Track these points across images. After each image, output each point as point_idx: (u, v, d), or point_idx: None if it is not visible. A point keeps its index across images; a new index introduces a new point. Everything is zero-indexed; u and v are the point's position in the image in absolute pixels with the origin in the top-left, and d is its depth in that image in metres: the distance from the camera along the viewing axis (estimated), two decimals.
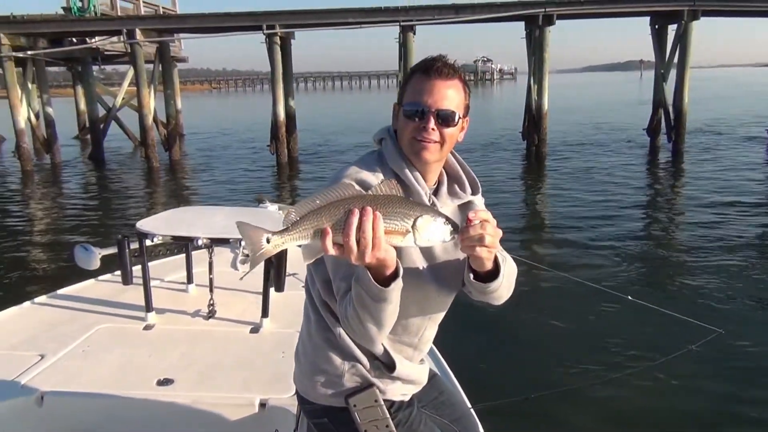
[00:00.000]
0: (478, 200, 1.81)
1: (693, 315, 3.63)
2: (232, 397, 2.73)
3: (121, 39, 17.93)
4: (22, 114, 17.43)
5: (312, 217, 1.36)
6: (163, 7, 22.77)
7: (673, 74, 17.58)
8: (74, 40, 18.90)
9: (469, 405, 2.35)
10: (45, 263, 8.76)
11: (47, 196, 14.67)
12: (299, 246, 1.39)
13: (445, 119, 1.60)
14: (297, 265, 3.44)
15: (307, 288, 1.81)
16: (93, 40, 18.76)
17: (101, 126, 20.49)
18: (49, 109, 18.75)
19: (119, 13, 19.28)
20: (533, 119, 17.74)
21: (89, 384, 2.84)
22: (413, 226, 1.38)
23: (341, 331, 1.71)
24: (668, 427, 4.32)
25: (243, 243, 3.61)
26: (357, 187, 1.41)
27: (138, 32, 16.69)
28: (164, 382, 2.84)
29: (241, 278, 3.92)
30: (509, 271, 1.68)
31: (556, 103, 37.02)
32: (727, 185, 12.74)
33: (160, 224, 3.56)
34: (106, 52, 20.13)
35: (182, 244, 3.89)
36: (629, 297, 3.80)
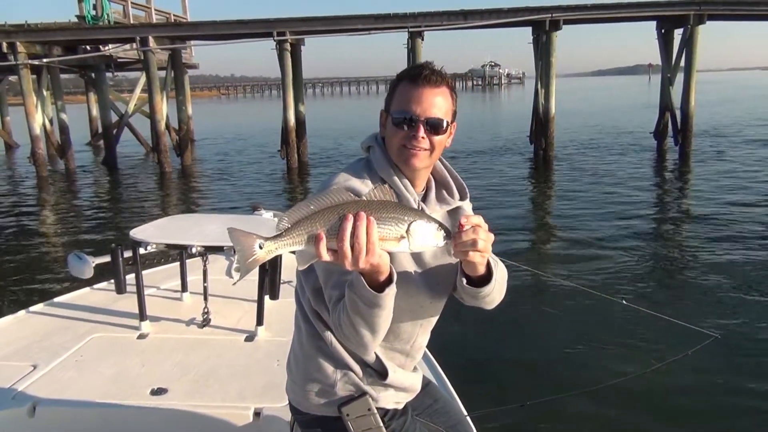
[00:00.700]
0: (467, 206, 1.81)
1: (690, 319, 3.68)
2: (226, 406, 2.70)
3: (134, 46, 18.28)
4: (38, 120, 17.75)
5: (306, 223, 1.35)
6: (174, 15, 23.12)
7: (680, 78, 17.70)
8: (88, 47, 19.20)
9: (465, 413, 2.36)
10: (50, 270, 8.77)
11: (61, 202, 14.93)
12: (293, 252, 1.39)
13: (435, 127, 1.61)
14: (292, 272, 3.33)
15: (297, 297, 1.81)
16: (106, 48, 19.07)
17: (114, 132, 20.79)
18: (63, 116, 19.06)
19: (132, 21, 19.61)
20: (540, 123, 17.89)
21: (82, 394, 2.81)
22: (407, 231, 1.37)
23: (332, 339, 1.71)
24: None
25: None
26: (346, 192, 1.40)
27: (151, 40, 16.97)
28: (158, 392, 2.82)
29: (234, 283, 3.79)
30: (501, 275, 1.67)
31: (564, 107, 37.13)
32: (732, 188, 12.83)
33: (154, 232, 3.54)
34: (119, 59, 20.41)
35: (176, 252, 3.84)
36: (623, 301, 3.83)
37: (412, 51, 17.26)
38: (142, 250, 3.40)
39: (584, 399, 4.19)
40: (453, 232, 1.42)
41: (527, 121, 19.58)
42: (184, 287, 4.02)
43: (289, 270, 3.62)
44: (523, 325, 6.04)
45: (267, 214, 4.43)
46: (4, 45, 16.71)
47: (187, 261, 3.98)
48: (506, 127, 30.14)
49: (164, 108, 18.14)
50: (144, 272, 3.56)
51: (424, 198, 1.74)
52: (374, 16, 17.32)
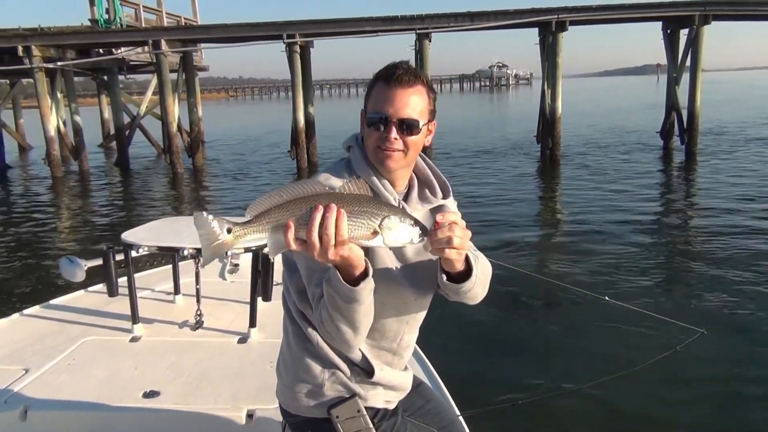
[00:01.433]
0: (450, 203, 1.80)
1: (680, 315, 3.65)
2: (219, 408, 2.70)
3: (146, 49, 18.59)
4: (52, 122, 18.08)
5: (276, 211, 1.35)
6: (184, 18, 23.43)
7: (686, 78, 17.86)
8: (101, 50, 19.52)
9: (458, 412, 2.37)
10: (53, 271, 8.69)
11: (75, 203, 15.26)
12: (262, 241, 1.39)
13: (408, 127, 1.59)
14: None
15: (284, 299, 1.80)
16: (119, 51, 19.39)
17: (126, 134, 21.12)
18: (77, 118, 19.39)
19: (143, 25, 19.92)
20: (547, 123, 18.07)
21: (75, 397, 2.81)
22: (380, 225, 1.36)
23: (319, 339, 1.71)
24: (656, 430, 4.36)
25: (230, 253, 3.78)
26: (320, 184, 1.41)
27: (163, 43, 17.26)
28: (150, 395, 2.81)
29: (203, 266, 3.69)
30: (482, 270, 1.67)
31: (571, 108, 37.23)
32: (737, 187, 12.99)
33: (145, 235, 3.51)
34: (131, 62, 20.74)
35: (168, 255, 3.79)
36: (606, 298, 3.88)
37: (419, 52, 17.49)
38: (134, 253, 3.39)
39: (575, 397, 4.22)
40: (430, 229, 1.41)
41: (534, 122, 19.77)
42: (176, 290, 3.99)
43: (281, 272, 3.64)
44: (516, 325, 6.15)
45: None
46: (20, 49, 17.03)
47: (180, 263, 3.90)
48: (513, 127, 30.34)
49: (176, 110, 18.44)
50: (136, 275, 3.57)
51: (406, 197, 1.73)
52: (382, 18, 17.53)
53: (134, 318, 3.51)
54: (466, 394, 2.86)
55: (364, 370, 1.76)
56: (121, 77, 22.06)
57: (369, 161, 1.67)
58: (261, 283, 3.32)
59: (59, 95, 19.75)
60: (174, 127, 18.03)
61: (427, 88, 1.64)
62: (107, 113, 27.84)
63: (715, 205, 11.33)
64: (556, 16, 16.81)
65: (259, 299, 3.38)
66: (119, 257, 3.41)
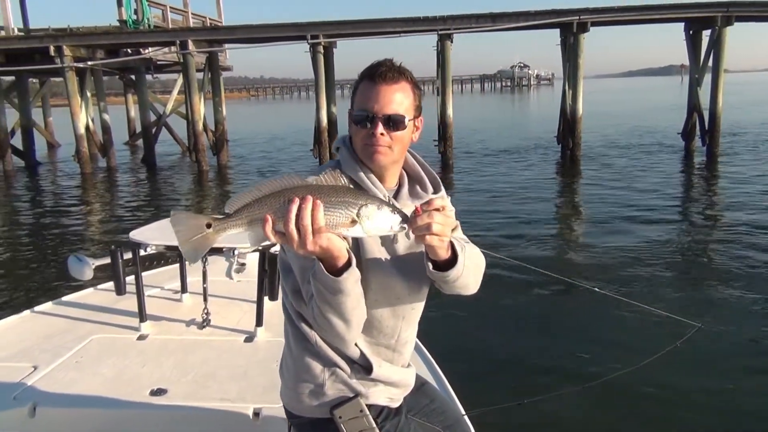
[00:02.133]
0: (442, 198, 1.75)
1: (678, 310, 3.80)
2: (225, 407, 2.71)
3: (173, 49, 19.00)
4: (82, 120, 18.55)
5: (254, 205, 1.37)
6: (209, 19, 23.84)
7: (708, 79, 17.83)
8: (129, 50, 19.96)
9: (463, 411, 2.37)
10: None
11: (103, 199, 15.70)
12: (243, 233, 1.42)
13: (394, 123, 1.61)
14: None
15: (283, 301, 1.83)
16: (147, 51, 19.82)
17: (153, 131, 21.56)
18: (105, 116, 19.86)
19: (170, 25, 20.34)
20: (568, 123, 18.16)
21: (82, 395, 2.83)
22: (358, 214, 1.37)
23: (317, 338, 1.72)
24: (661, 427, 4.39)
25: (235, 251, 3.76)
26: (298, 178, 1.42)
27: (190, 43, 17.64)
28: (157, 392, 2.82)
29: (190, 264, 3.69)
30: (471, 259, 1.67)
31: (593, 108, 37.11)
32: (756, 188, 13.00)
33: (153, 234, 3.55)
34: (158, 62, 21.16)
35: (176, 254, 3.77)
36: (596, 289, 3.94)
37: (441, 53, 17.65)
38: (141, 252, 3.42)
39: (580, 396, 4.20)
40: (411, 216, 1.42)
41: (555, 122, 19.86)
42: (183, 288, 4.02)
43: None
44: (521, 322, 6.23)
45: None
46: (52, 48, 17.51)
47: (187, 262, 3.85)
48: (534, 127, 30.37)
49: (202, 108, 18.81)
50: (144, 273, 3.57)
51: (396, 193, 1.75)
52: (404, 19, 17.71)
53: (142, 316, 3.52)
54: (471, 393, 2.88)
55: (364, 367, 1.76)
56: (147, 76, 22.48)
57: (357, 159, 1.69)
58: (268, 283, 3.35)
59: (88, 94, 20.26)
60: (200, 126, 18.40)
61: (412, 85, 1.67)
62: (133, 112, 28.45)
63: (732, 205, 11.43)
64: (578, 17, 16.88)
65: (266, 298, 3.41)
66: (127, 256, 3.41)
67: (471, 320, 6.11)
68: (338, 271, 1.45)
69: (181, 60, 18.20)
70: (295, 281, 1.69)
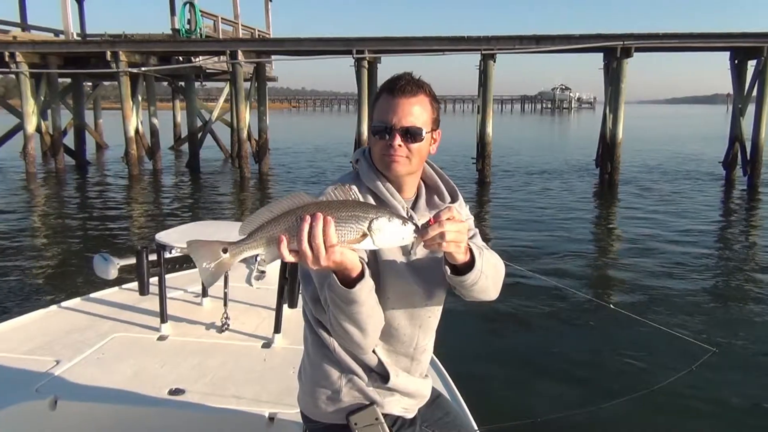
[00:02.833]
0: (459, 207, 1.82)
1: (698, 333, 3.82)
2: (241, 410, 2.76)
3: (222, 59, 19.62)
4: (132, 124, 19.25)
5: (267, 227, 1.40)
6: (258, 30, 24.50)
7: (752, 109, 17.70)
8: (180, 58, 20.65)
9: (476, 427, 2.38)
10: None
11: (148, 199, 16.21)
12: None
13: (411, 135, 1.65)
14: None
15: (303, 308, 1.86)
16: (197, 59, 20.49)
17: (198, 137, 22.20)
18: (155, 120, 20.53)
19: (221, 35, 21.00)
20: (607, 147, 18.16)
21: (102, 391, 2.90)
22: (369, 228, 1.38)
23: (336, 345, 1.75)
24: None
25: (258, 258, 3.81)
26: (307, 195, 1.44)
27: (240, 53, 18.21)
28: (175, 392, 2.88)
29: (208, 287, 3.82)
30: (489, 263, 1.68)
31: (635, 133, 36.82)
32: None
33: (178, 237, 3.60)
34: (207, 70, 21.83)
35: None
36: (611, 305, 3.97)
37: (483, 72, 17.83)
38: (166, 254, 3.48)
39: (594, 416, 4.20)
40: (422, 226, 1.44)
41: (595, 145, 19.87)
42: (204, 292, 4.09)
43: None
44: (537, 339, 6.24)
45: None
46: (108, 53, 18.26)
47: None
48: (573, 150, 30.30)
49: (247, 117, 19.34)
50: (167, 275, 3.65)
51: (414, 204, 1.78)
52: (449, 38, 17.97)
53: (163, 317, 3.59)
54: (484, 409, 2.86)
55: (381, 376, 1.78)
56: (196, 84, 23.17)
57: (376, 171, 1.72)
58: (288, 290, 3.42)
59: (139, 98, 21.01)
60: (245, 133, 18.92)
61: (431, 99, 1.70)
62: (179, 117, 29.29)
63: None
64: (622, 43, 16.93)
65: (285, 306, 3.47)
66: (152, 257, 3.49)
67: (486, 334, 6.17)
68: (352, 282, 1.48)
69: (230, 69, 18.74)
70: (314, 289, 1.71)
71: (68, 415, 2.75)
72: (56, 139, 20.70)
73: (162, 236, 3.60)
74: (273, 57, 21.57)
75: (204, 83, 25.11)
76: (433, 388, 2.03)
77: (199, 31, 19.85)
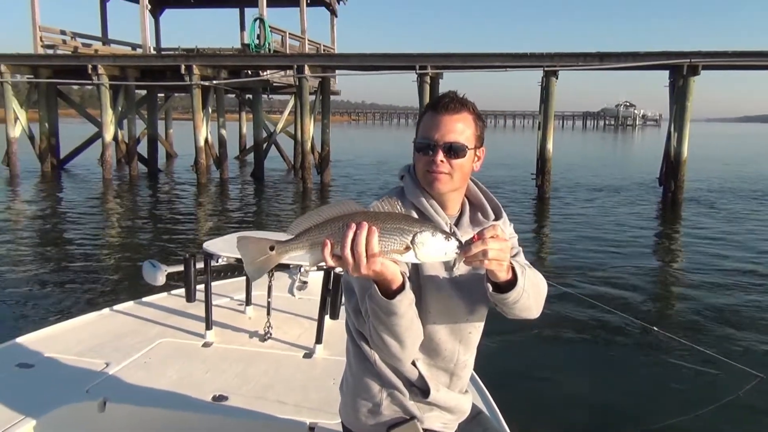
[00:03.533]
0: (504, 224, 1.83)
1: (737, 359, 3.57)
2: (282, 419, 2.79)
3: (288, 73, 20.30)
4: (202, 134, 20.11)
5: (314, 230, 1.45)
6: (323, 45, 25.20)
7: None
8: (249, 72, 21.46)
9: None
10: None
11: (215, 207, 16.83)
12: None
13: (455, 152, 1.67)
14: None
15: (346, 320, 1.88)
16: (265, 73, 21.25)
17: (263, 147, 22.96)
18: (223, 131, 21.40)
19: (288, 50, 21.73)
20: (671, 165, 17.88)
21: (149, 394, 2.98)
22: (412, 241, 1.41)
23: (377, 358, 1.76)
24: None
25: (301, 269, 3.93)
26: (355, 204, 1.47)
27: (306, 68, 18.83)
28: (219, 398, 2.94)
29: (253, 281, 3.86)
30: (532, 281, 1.69)
31: (702, 152, 35.76)
32: None
33: (224, 246, 3.65)
34: (274, 84, 22.59)
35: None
36: (654, 328, 3.84)
37: (545, 88, 17.82)
38: (213, 263, 3.55)
39: None
40: (466, 243, 1.46)
41: (659, 163, 19.58)
42: (248, 301, 4.15)
43: None
44: (578, 360, 6.18)
45: None
46: (183, 67, 19.17)
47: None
48: (636, 168, 29.76)
49: (311, 129, 19.93)
50: (213, 283, 3.71)
51: (458, 220, 1.80)
52: (512, 55, 18.05)
53: (208, 324, 3.66)
54: (523, 428, 2.83)
55: (421, 390, 1.79)
56: (265, 97, 23.97)
57: (420, 187, 1.75)
58: (330, 302, 3.46)
59: (209, 110, 21.92)
60: (308, 145, 19.50)
61: (475, 116, 1.73)
62: (245, 128, 30.29)
63: None
64: (689, 60, 16.69)
65: (327, 317, 3.51)
66: (199, 265, 3.57)
67: (528, 352, 6.11)
68: (392, 294, 1.51)
69: (297, 83, 19.37)
70: (356, 301, 1.72)
71: (116, 417, 2.85)
72: (131, 148, 21.80)
73: (209, 245, 3.66)
74: (337, 71, 22.17)
75: (270, 96, 25.89)
76: (474, 405, 2.04)
77: (268, 46, 20.59)
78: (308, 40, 23.49)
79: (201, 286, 3.73)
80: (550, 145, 18.00)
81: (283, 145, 27.06)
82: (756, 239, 12.80)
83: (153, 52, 22.67)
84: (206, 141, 20.82)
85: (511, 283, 1.60)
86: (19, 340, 3.55)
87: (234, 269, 4.22)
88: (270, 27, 20.77)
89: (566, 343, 6.54)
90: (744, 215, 16.04)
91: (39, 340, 3.57)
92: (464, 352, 1.84)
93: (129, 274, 9.08)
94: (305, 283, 4.44)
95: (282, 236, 1.51)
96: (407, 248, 1.41)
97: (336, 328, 3.54)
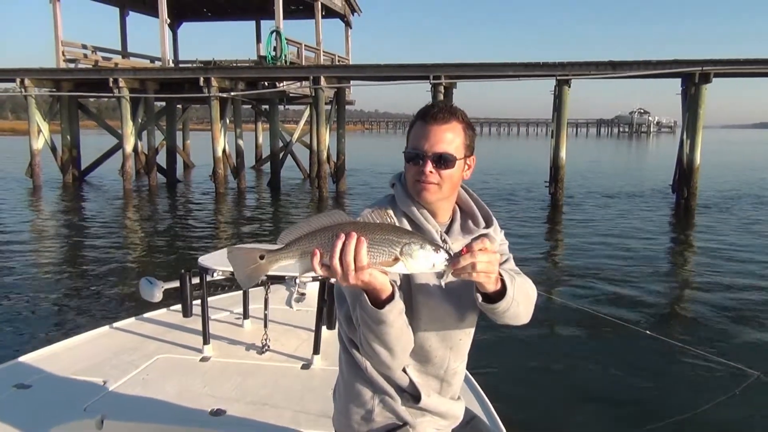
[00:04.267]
0: (494, 232, 1.83)
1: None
2: (281, 430, 2.81)
3: (304, 84, 20.66)
4: (220, 144, 20.49)
5: (304, 239, 1.46)
6: (338, 56, 25.58)
7: None
8: (266, 83, 21.86)
9: None
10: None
11: (233, 216, 17.17)
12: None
13: (444, 162, 1.67)
14: None
15: (338, 329, 1.89)
16: (282, 84, 21.63)
17: (280, 157, 23.32)
18: (240, 142, 21.77)
19: (304, 62, 22.11)
20: (684, 172, 17.99)
21: (146, 410, 2.98)
22: (401, 252, 1.42)
23: (368, 365, 1.77)
24: None
25: (297, 281, 3.90)
26: (345, 214, 1.48)
27: (322, 79, 19.17)
28: (217, 413, 2.94)
29: (243, 289, 3.85)
30: (521, 290, 1.68)
31: (716, 158, 35.62)
32: None
33: (220, 260, 3.63)
34: (290, 94, 22.97)
35: None
36: (647, 331, 3.83)
37: (558, 97, 18.01)
38: (208, 277, 3.55)
39: None
40: (454, 255, 1.46)
41: (672, 171, 19.67)
42: (245, 314, 4.15)
43: None
44: (575, 363, 6.17)
45: None
46: (201, 79, 19.59)
47: (250, 289, 4.06)
48: (650, 175, 29.84)
49: (327, 139, 20.26)
50: (210, 297, 3.74)
51: (449, 228, 1.80)
52: (525, 64, 18.29)
53: (205, 339, 3.66)
54: (522, 431, 2.83)
55: (412, 396, 1.80)
56: (281, 107, 24.37)
57: (410, 195, 1.76)
58: (327, 312, 3.49)
59: (227, 120, 22.33)
60: (324, 155, 19.84)
61: (464, 125, 1.73)
62: (261, 138, 30.73)
63: None
64: (701, 68, 16.82)
65: (324, 328, 3.54)
66: (195, 280, 3.58)
67: (525, 356, 6.14)
68: (382, 303, 1.52)
69: (313, 94, 19.72)
70: (347, 309, 1.72)
71: None
72: (150, 159, 22.24)
73: (205, 260, 3.67)
74: (351, 82, 22.50)
75: (286, 107, 26.31)
76: (468, 410, 2.05)
77: (284, 57, 20.97)
78: (323, 51, 23.87)
79: (197, 301, 3.72)
80: (563, 153, 18.18)
81: (298, 154, 27.44)
82: (764, 245, 12.90)
83: (171, 64, 23.14)
84: (224, 151, 21.19)
85: (501, 293, 1.61)
86: (19, 359, 3.56)
87: (231, 282, 4.22)
88: (286, 39, 21.16)
89: (561, 346, 6.58)
90: (757, 221, 16.10)
91: (38, 359, 3.58)
92: (455, 359, 1.86)
93: (129, 286, 8.95)
94: (303, 294, 4.44)
95: (274, 248, 1.53)
96: (396, 259, 1.43)
97: (333, 339, 3.50)
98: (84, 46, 22.96)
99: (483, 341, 2.02)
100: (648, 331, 4.18)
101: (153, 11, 23.06)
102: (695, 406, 2.85)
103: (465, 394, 2.01)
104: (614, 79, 18.46)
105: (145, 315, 4.35)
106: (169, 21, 22.33)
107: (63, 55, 21.66)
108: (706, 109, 17.44)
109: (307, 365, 3.51)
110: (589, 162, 38.62)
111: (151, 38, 22.19)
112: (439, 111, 1.70)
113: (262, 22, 28.24)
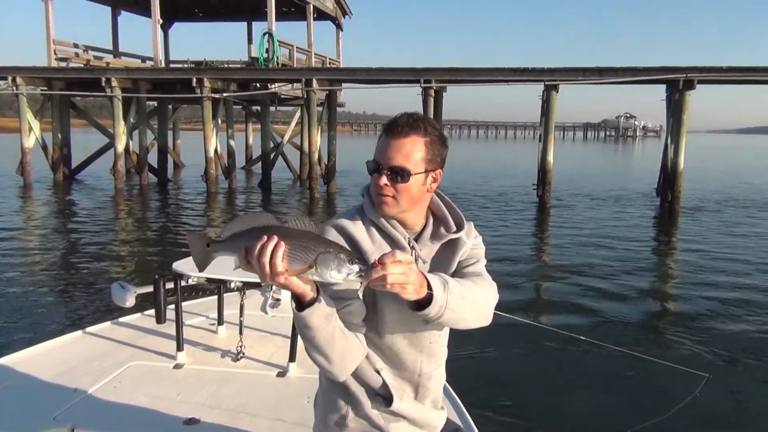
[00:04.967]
0: (466, 236, 1.82)
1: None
2: None
3: (295, 86, 20.86)
4: (212, 145, 20.65)
5: (237, 237, 1.53)
6: (329, 59, 25.81)
7: None
8: (258, 85, 22.05)
9: None
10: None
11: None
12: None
13: (398, 174, 1.67)
14: None
15: None
16: (274, 86, 21.82)
17: (271, 158, 23.50)
18: (231, 142, 21.94)
19: (295, 63, 22.31)
20: (668, 176, 18.39)
21: (118, 419, 2.91)
22: (315, 260, 1.45)
23: None
24: None
25: (273, 287, 3.77)
26: (273, 218, 1.52)
27: (314, 81, 19.40)
28: (190, 422, 2.87)
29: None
30: (461, 295, 1.65)
31: (700, 164, 36.12)
32: None
33: (194, 265, 4.01)
34: (282, 96, 23.17)
35: (215, 286, 3.90)
36: (582, 337, 3.55)
37: (546, 102, 18.37)
38: (183, 283, 3.48)
39: None
40: (369, 267, 1.47)
41: (657, 174, 20.07)
42: (220, 320, 4.08)
43: None
44: (542, 377, 6.13)
45: None
46: (194, 80, 19.74)
47: (225, 295, 4.03)
48: (635, 178, 30.26)
49: (318, 140, 20.47)
50: (185, 303, 3.67)
51: (419, 235, 1.80)
52: (513, 69, 18.59)
53: (179, 345, 3.58)
54: None
55: (384, 398, 1.79)
56: (273, 109, 24.55)
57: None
58: None
59: (219, 121, 22.48)
60: (315, 156, 20.05)
61: (428, 139, 1.70)
62: (251, 139, 30.88)
63: None
64: (685, 75, 17.24)
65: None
66: (169, 285, 3.50)
67: (507, 369, 6.14)
68: (304, 307, 1.53)
69: (305, 96, 19.94)
70: None
71: None
72: (142, 158, 22.37)
73: (179, 265, 3.58)
74: (349, 85, 22.73)
75: (278, 108, 26.50)
76: (451, 421, 2.04)
77: (276, 60, 21.16)
78: (314, 53, 24.09)
79: (171, 307, 3.64)
80: (550, 157, 18.52)
81: (289, 155, 27.62)
82: (745, 248, 13.26)
83: (162, 64, 23.25)
84: (216, 151, 21.35)
85: (430, 301, 1.59)
86: None
87: (205, 289, 4.18)
88: (278, 41, 21.35)
89: (526, 364, 6.43)
90: (737, 224, 16.48)
91: (6, 365, 3.48)
92: (427, 363, 1.84)
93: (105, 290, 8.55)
94: (278, 300, 4.36)
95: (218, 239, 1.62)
96: (311, 266, 1.45)
97: None
98: (76, 45, 23.02)
99: (461, 352, 2.05)
100: (614, 346, 4.03)
101: (145, 11, 23.17)
102: (658, 413, 2.90)
103: (444, 406, 1.99)
104: (601, 84, 18.82)
105: (120, 319, 4.26)
106: (161, 21, 22.45)
107: (55, 53, 21.71)
108: (691, 114, 17.85)
109: (282, 373, 3.46)
110: (576, 165, 38.99)
111: (141, 38, 22.30)
112: (400, 125, 1.69)
113: (254, 23, 28.46)
